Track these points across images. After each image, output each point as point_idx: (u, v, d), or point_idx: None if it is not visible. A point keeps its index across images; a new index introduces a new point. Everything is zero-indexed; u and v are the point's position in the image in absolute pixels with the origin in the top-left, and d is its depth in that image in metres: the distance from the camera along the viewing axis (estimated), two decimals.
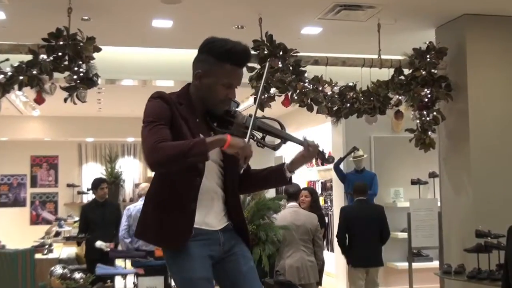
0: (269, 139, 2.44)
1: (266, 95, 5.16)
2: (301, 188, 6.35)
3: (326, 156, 2.47)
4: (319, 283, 5.79)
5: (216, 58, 2.33)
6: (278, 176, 2.50)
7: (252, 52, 5.03)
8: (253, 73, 5.14)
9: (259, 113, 2.44)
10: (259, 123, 2.40)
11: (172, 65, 6.43)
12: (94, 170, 13.12)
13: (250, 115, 2.38)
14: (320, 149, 2.45)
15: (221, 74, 2.33)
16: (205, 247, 2.35)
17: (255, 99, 2.52)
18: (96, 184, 7.35)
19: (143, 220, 2.41)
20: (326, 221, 9.65)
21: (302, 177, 10.54)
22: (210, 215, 2.39)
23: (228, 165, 2.40)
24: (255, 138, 2.39)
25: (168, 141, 2.19)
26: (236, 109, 2.46)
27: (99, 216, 7.15)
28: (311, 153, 2.41)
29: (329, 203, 9.85)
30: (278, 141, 2.45)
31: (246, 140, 2.26)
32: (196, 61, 2.41)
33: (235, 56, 2.33)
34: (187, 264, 2.30)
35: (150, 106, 2.33)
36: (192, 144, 2.14)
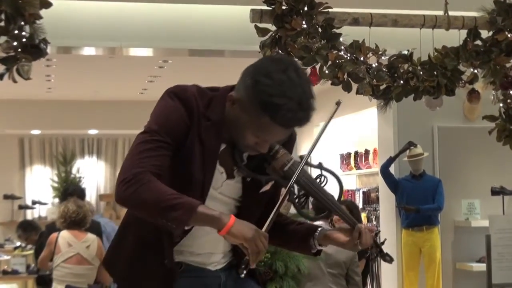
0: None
1: None
2: None
3: (384, 252, 2.55)
4: None
5: (257, 102, 2.24)
6: (302, 242, 2.54)
7: (265, 7, 5.04)
8: (266, 37, 5.14)
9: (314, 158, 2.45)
10: (305, 180, 2.39)
11: (151, 26, 6.43)
12: (41, 175, 13.19)
13: (301, 157, 2.39)
14: (375, 239, 2.54)
15: (255, 123, 2.27)
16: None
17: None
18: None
19: (112, 257, 2.51)
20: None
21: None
22: (212, 257, 2.46)
23: (246, 205, 2.44)
24: (291, 196, 2.38)
25: (158, 174, 2.20)
26: (286, 143, 2.43)
27: None
28: (356, 247, 2.45)
29: (374, 222, 9.83)
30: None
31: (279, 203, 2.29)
32: (243, 76, 2.33)
33: (280, 117, 2.23)
34: None
35: (164, 107, 2.31)
36: (175, 204, 2.14)
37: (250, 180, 2.42)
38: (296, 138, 2.53)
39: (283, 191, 2.37)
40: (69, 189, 7.61)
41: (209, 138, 2.32)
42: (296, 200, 2.40)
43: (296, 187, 2.38)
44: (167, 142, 2.24)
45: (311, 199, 2.45)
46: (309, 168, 2.49)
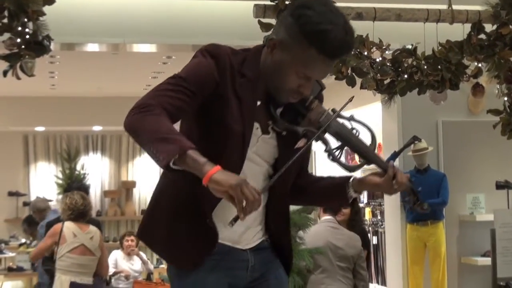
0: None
1: None
2: None
3: (421, 203, 2.53)
4: None
5: (303, 35, 2.28)
6: (338, 192, 2.53)
7: (269, 2, 5.04)
8: (270, 32, 5.13)
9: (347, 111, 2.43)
10: (338, 127, 2.40)
11: (154, 22, 6.43)
12: (45, 172, 13.20)
13: (334, 110, 2.39)
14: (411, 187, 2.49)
15: (300, 58, 2.30)
16: (226, 272, 2.39)
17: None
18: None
19: (149, 226, 2.48)
20: (375, 241, 9.68)
21: None
22: (246, 233, 2.44)
23: (282, 166, 2.40)
24: (327, 147, 2.39)
25: (170, 113, 2.20)
26: (317, 96, 2.46)
27: None
28: (392, 188, 2.44)
29: (378, 216, 9.84)
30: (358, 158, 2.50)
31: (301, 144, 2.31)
32: (279, 22, 2.40)
33: (328, 45, 2.27)
34: None
35: (195, 62, 2.35)
36: (172, 138, 2.13)
37: (285, 138, 2.41)
38: (323, 99, 2.53)
39: (301, 143, 2.36)
40: (73, 186, 7.62)
41: (245, 94, 2.33)
42: (334, 151, 2.41)
43: (331, 139, 2.39)
44: (191, 90, 2.25)
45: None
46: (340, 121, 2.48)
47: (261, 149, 2.40)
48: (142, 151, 13.39)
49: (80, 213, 6.56)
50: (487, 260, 6.86)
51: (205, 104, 2.30)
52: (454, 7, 5.52)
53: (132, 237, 9.74)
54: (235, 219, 2.14)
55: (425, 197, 7.80)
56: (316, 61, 2.29)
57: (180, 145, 2.12)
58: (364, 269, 5.67)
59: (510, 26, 5.43)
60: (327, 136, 2.40)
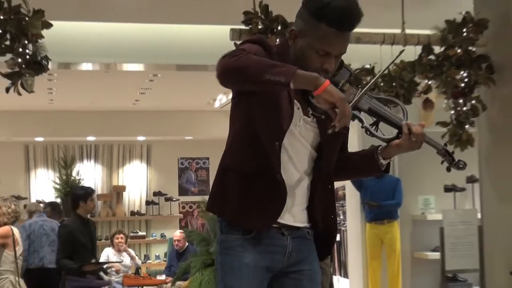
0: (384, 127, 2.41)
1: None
2: None
3: (454, 158, 2.42)
4: None
5: (311, 15, 2.28)
6: (370, 162, 2.48)
7: (243, 27, 5.03)
8: None
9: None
10: (370, 103, 2.36)
11: (142, 44, 6.41)
12: (44, 178, 13.09)
13: (363, 88, 2.35)
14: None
15: (314, 37, 2.28)
16: (265, 255, 2.33)
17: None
18: (88, 194, 7.20)
19: (220, 196, 2.39)
20: (338, 238, 9.68)
21: None
22: (292, 209, 2.37)
23: (326, 150, 2.38)
24: (363, 124, 2.36)
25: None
26: (347, 80, 2.41)
27: (87, 237, 7.09)
28: (413, 142, 2.36)
29: (341, 216, 9.85)
30: (394, 131, 2.41)
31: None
32: (296, 16, 2.39)
33: (333, 15, 2.23)
34: (236, 274, 2.30)
35: (245, 46, 2.31)
36: (278, 64, 2.12)
37: (324, 123, 2.35)
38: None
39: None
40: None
41: None
42: (371, 126, 2.37)
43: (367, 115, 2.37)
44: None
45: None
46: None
47: (303, 130, 2.36)
48: (131, 159, 13.37)
49: (17, 218, 6.53)
50: (437, 255, 6.91)
51: None
52: (407, 31, 5.55)
53: (122, 235, 9.68)
54: (332, 128, 2.17)
55: (382, 199, 7.94)
56: (329, 35, 2.25)
57: (289, 67, 2.12)
58: (328, 266, 5.57)
59: (456, 48, 5.47)
60: (363, 114, 2.37)
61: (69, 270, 6.86)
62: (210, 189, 2.46)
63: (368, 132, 2.38)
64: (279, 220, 2.34)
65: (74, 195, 7.30)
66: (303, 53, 2.31)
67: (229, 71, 2.18)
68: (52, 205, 8.73)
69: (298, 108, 2.35)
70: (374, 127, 2.40)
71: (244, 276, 2.29)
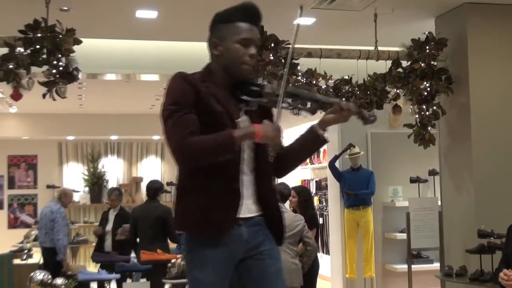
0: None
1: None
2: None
3: (367, 116, 2.46)
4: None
5: (226, 22, 2.35)
6: (312, 139, 2.44)
7: None
8: None
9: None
10: (288, 88, 2.39)
11: (157, 58, 6.40)
12: (75, 170, 13.07)
13: (278, 83, 2.38)
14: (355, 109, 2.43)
15: (234, 32, 2.34)
16: (225, 246, 2.26)
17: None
18: (159, 189, 6.95)
19: (182, 215, 2.31)
20: (321, 221, 9.69)
21: (295, 176, 10.55)
22: (245, 200, 2.33)
23: (261, 146, 2.35)
24: (290, 105, 2.38)
25: (195, 132, 2.18)
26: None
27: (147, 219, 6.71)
28: (344, 116, 2.39)
29: (324, 203, 9.86)
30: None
31: (277, 110, 2.30)
32: (208, 39, 2.41)
33: (242, 12, 2.36)
34: (204, 267, 2.25)
35: (172, 88, 2.31)
36: (220, 140, 2.16)
37: (253, 115, 2.37)
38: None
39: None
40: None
41: (214, 89, 2.31)
42: (298, 105, 2.40)
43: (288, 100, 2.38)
44: (186, 111, 2.23)
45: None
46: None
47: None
48: (148, 155, 13.36)
49: None
50: (404, 236, 6.91)
51: (196, 106, 2.27)
52: (379, 48, 5.57)
53: None
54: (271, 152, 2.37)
55: (357, 189, 7.93)
56: (243, 27, 2.35)
57: (229, 137, 2.18)
58: (311, 238, 5.46)
59: (420, 63, 5.48)
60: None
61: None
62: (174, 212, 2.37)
63: (294, 110, 2.48)
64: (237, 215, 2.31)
65: (158, 185, 6.95)
66: (229, 50, 2.33)
67: (185, 162, 2.23)
68: (119, 190, 8.14)
69: (239, 118, 2.34)
70: (299, 103, 2.41)
71: (211, 268, 2.25)
